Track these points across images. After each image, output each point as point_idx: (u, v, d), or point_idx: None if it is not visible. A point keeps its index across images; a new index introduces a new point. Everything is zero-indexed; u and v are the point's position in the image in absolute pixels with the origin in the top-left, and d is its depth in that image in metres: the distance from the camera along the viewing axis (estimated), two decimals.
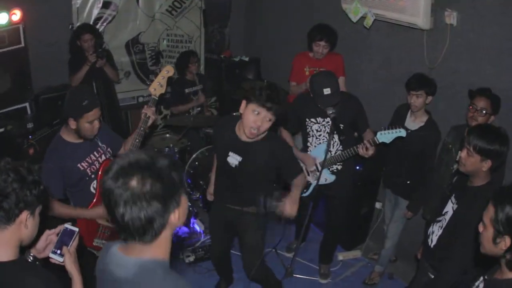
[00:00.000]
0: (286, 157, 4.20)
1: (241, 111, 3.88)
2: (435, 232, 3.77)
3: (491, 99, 4.08)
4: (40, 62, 6.14)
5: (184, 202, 2.02)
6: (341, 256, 5.90)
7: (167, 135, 7.05)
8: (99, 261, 2.23)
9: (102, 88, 6.34)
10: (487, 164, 3.28)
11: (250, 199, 4.26)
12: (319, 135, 4.85)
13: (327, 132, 4.77)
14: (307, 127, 4.88)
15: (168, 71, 4.11)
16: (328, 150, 4.58)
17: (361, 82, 5.99)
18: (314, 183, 4.92)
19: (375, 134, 4.56)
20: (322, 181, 4.83)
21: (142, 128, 4.07)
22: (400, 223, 5.16)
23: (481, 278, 2.75)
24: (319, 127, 4.82)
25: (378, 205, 5.95)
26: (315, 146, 4.91)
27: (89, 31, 6.05)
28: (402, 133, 4.45)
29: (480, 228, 2.56)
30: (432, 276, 3.82)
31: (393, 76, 5.54)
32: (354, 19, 5.62)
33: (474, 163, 3.33)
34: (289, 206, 4.02)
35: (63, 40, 6.35)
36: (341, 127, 4.53)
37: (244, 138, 4.00)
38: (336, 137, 4.76)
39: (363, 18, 5.50)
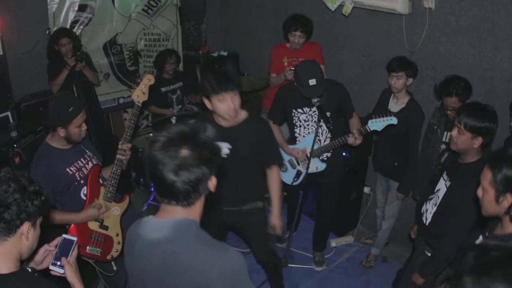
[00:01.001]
0: (267, 135, 4.20)
1: (210, 108, 3.88)
2: (429, 209, 3.84)
3: (456, 94, 4.15)
4: (19, 70, 6.07)
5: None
6: (334, 242, 5.95)
7: (151, 134, 7.01)
8: (128, 234, 2.36)
9: (83, 92, 6.28)
10: (478, 141, 3.36)
11: (246, 195, 4.26)
12: (307, 125, 4.86)
13: (314, 121, 4.80)
14: (294, 118, 4.89)
15: (149, 79, 4.10)
16: (316, 139, 4.62)
17: (342, 70, 6.01)
18: (304, 172, 4.93)
19: (366, 122, 4.58)
20: (313, 169, 4.91)
21: (132, 121, 4.07)
22: (397, 204, 5.22)
23: (481, 237, 2.86)
24: (307, 117, 4.83)
25: (366, 189, 6.01)
26: (303, 136, 4.92)
27: (66, 35, 6.00)
28: (394, 120, 4.47)
29: (480, 193, 2.67)
30: (429, 254, 3.88)
31: (374, 62, 5.58)
32: (332, 8, 5.66)
33: (465, 141, 3.39)
34: (276, 223, 4.20)
35: (41, 45, 6.31)
36: (328, 115, 4.59)
37: (225, 123, 3.95)
38: (324, 125, 4.79)
39: (341, 6, 5.53)
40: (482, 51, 4.54)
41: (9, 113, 5.65)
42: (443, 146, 4.46)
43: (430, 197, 3.87)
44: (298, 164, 5.05)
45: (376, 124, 4.51)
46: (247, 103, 7.16)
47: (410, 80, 4.67)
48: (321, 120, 4.60)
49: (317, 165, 4.95)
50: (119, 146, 4.04)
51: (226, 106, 3.77)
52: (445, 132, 4.43)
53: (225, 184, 3.97)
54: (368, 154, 5.65)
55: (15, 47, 6.08)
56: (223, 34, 8.37)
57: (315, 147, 4.71)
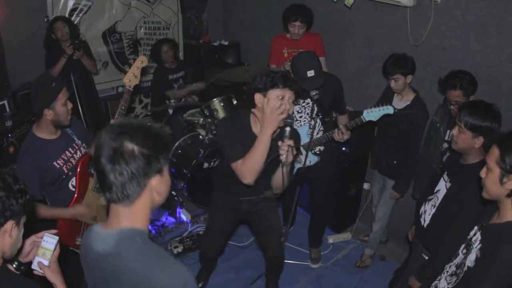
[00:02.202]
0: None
1: (259, 105, 3.54)
2: (428, 211, 3.75)
3: (461, 87, 4.04)
4: (16, 58, 6.01)
5: (167, 175, 2.10)
6: (331, 239, 5.87)
7: (148, 124, 6.92)
8: (81, 245, 2.27)
9: (81, 80, 6.27)
10: (479, 141, 3.25)
11: (265, 185, 4.04)
12: (300, 117, 4.76)
13: (307, 113, 4.71)
14: None
15: (142, 61, 4.00)
16: (309, 132, 4.57)
17: (344, 62, 5.93)
18: (298, 166, 4.86)
19: (361, 113, 4.45)
20: (306, 163, 4.79)
21: (123, 108, 3.94)
22: (389, 205, 5.13)
23: (475, 228, 2.80)
24: (300, 109, 4.72)
25: (366, 186, 5.93)
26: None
27: (61, 20, 5.99)
28: (390, 110, 4.38)
29: (483, 174, 2.64)
30: (426, 257, 3.81)
31: (376, 55, 5.48)
32: None
33: (466, 140, 3.29)
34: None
35: (39, 34, 6.24)
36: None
37: (257, 130, 3.70)
38: (317, 117, 4.63)
39: None
40: (488, 47, 4.43)
41: (5, 102, 5.60)
42: (446, 145, 4.36)
43: (430, 198, 3.77)
44: None
45: (372, 114, 4.40)
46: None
47: (409, 77, 4.55)
48: (319, 114, 4.47)
49: (309, 159, 4.83)
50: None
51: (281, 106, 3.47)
52: (448, 131, 4.33)
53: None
54: (369, 150, 5.56)
55: (12, 36, 6.03)
56: (225, 23, 8.31)
57: (307, 140, 4.58)
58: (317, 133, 4.75)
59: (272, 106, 3.44)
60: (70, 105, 3.77)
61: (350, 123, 4.49)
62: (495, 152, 2.52)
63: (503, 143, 2.51)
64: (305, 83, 4.27)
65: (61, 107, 3.67)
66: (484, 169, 2.63)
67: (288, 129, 3.44)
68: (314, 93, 4.35)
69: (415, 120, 4.59)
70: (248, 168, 3.59)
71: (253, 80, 3.58)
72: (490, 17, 4.35)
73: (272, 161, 3.63)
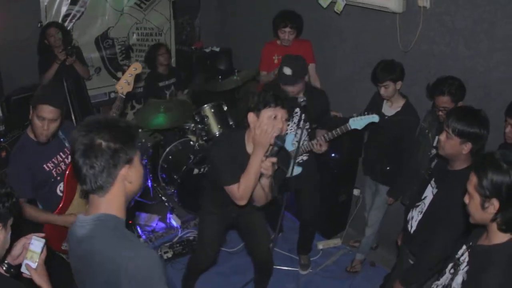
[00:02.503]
0: None
1: (252, 125, 3.56)
2: (415, 217, 3.75)
3: (449, 93, 4.03)
4: (10, 63, 6.04)
5: (139, 164, 2.25)
6: (321, 245, 5.85)
7: (140, 130, 6.93)
8: (69, 234, 2.34)
9: (73, 86, 6.25)
10: (467, 147, 3.24)
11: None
12: (288, 125, 4.69)
13: (295, 123, 4.69)
14: None
15: (136, 68, 4.00)
16: (296, 140, 4.57)
17: (333, 68, 5.95)
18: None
19: (347, 121, 4.49)
20: (288, 174, 4.75)
21: (114, 115, 3.96)
22: (381, 210, 5.13)
23: (464, 247, 2.75)
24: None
25: (356, 192, 5.93)
26: None
27: (54, 26, 6.00)
28: (375, 118, 4.43)
29: (466, 200, 2.59)
30: (412, 263, 3.79)
31: (366, 61, 5.48)
32: (324, 5, 5.58)
33: (453, 146, 3.29)
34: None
35: (32, 39, 6.24)
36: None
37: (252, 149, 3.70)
38: (303, 127, 4.62)
39: (333, 3, 5.45)
40: (478, 53, 4.45)
41: None
42: (434, 151, 4.34)
43: (417, 204, 3.77)
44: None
45: (357, 123, 4.45)
46: (241, 100, 7.13)
47: (399, 83, 4.54)
48: (306, 121, 4.50)
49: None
50: None
51: (274, 125, 3.49)
52: (436, 137, 4.30)
53: None
54: (359, 156, 5.55)
55: (6, 40, 6.05)
56: (217, 29, 8.32)
57: (292, 148, 4.54)
58: (302, 143, 4.72)
59: (262, 129, 3.46)
60: (48, 128, 3.65)
61: (336, 131, 4.52)
62: (473, 179, 2.50)
63: (479, 169, 2.47)
64: (281, 80, 4.44)
65: (35, 119, 3.61)
66: (466, 195, 2.60)
67: (275, 148, 3.47)
68: (302, 100, 4.41)
69: (407, 126, 4.58)
70: (242, 191, 3.61)
71: (246, 100, 3.60)
72: (480, 22, 4.36)
73: None
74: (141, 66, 4.04)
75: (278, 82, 4.52)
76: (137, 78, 4.14)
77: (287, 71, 4.40)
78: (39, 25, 6.43)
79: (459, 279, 2.68)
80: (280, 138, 3.49)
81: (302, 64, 4.54)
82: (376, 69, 4.56)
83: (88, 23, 7.05)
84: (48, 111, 3.59)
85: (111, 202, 2.19)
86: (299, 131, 4.64)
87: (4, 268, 2.51)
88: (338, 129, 4.53)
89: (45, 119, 3.61)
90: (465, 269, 2.65)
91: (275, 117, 3.48)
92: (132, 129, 2.22)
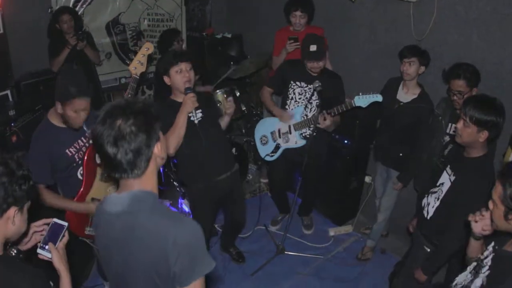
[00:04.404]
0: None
1: (168, 83, 4.23)
2: (431, 203, 3.77)
3: (465, 77, 4.05)
4: (20, 48, 6.00)
5: (162, 136, 2.26)
6: (332, 231, 5.90)
7: (132, 101, 6.93)
8: (97, 210, 2.44)
9: (84, 71, 6.16)
10: (484, 135, 3.27)
11: (230, 156, 4.81)
12: (299, 99, 5.04)
13: (306, 98, 4.97)
14: (290, 89, 5.10)
15: (148, 48, 4.01)
16: (302, 113, 5.07)
17: (346, 56, 5.94)
18: (283, 146, 5.20)
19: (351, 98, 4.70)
20: (292, 144, 5.13)
21: (130, 96, 4.01)
22: (393, 196, 5.13)
23: (490, 249, 2.66)
24: (301, 91, 5.04)
25: (367, 179, 5.94)
26: (292, 109, 5.10)
27: (68, 12, 5.96)
28: (379, 98, 4.59)
29: (490, 205, 2.52)
30: (428, 250, 3.83)
31: (379, 49, 5.51)
32: None
33: (470, 134, 3.31)
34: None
35: (42, 24, 6.24)
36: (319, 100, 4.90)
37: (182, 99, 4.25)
38: (314, 102, 4.96)
39: None
40: (491, 44, 4.45)
41: (8, 91, 5.60)
42: (447, 138, 4.37)
43: (433, 190, 3.79)
44: (280, 137, 5.22)
45: (362, 100, 4.63)
46: (253, 86, 7.13)
47: (422, 68, 4.58)
48: (312, 97, 4.94)
49: (296, 140, 5.12)
50: None
51: (181, 78, 4.13)
52: (450, 124, 4.34)
53: (214, 152, 4.38)
54: (370, 143, 5.56)
55: (16, 25, 6.02)
56: (228, 15, 8.30)
57: (299, 120, 5.06)
58: (309, 116, 5.03)
59: (173, 81, 4.19)
60: (83, 116, 3.69)
61: (341, 106, 4.72)
62: (498, 188, 2.40)
63: (504, 179, 2.37)
64: (308, 56, 4.79)
65: (70, 111, 3.61)
66: (490, 202, 2.51)
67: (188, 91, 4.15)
68: (317, 85, 4.66)
69: (422, 114, 4.60)
70: (171, 141, 4.11)
71: (161, 63, 4.27)
72: (493, 13, 4.36)
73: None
74: (153, 46, 4.08)
75: (303, 60, 4.87)
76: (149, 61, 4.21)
77: (313, 47, 4.70)
78: (49, 11, 6.42)
79: (478, 282, 2.61)
80: (189, 88, 4.16)
81: (323, 41, 4.88)
82: (406, 47, 4.60)
83: (99, 8, 7.02)
84: (85, 104, 3.63)
85: (147, 181, 2.23)
86: (309, 106, 4.98)
87: (13, 254, 2.50)
88: (343, 104, 4.71)
89: (80, 111, 3.63)
90: (486, 273, 2.58)
91: (180, 71, 4.12)
92: (151, 107, 2.22)
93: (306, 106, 5.02)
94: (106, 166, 2.19)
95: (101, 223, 2.36)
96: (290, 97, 5.09)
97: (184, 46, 7.32)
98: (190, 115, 4.18)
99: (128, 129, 2.08)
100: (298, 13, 5.48)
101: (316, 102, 4.96)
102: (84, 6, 6.78)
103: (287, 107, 5.14)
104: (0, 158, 2.17)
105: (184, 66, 4.12)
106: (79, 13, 6.62)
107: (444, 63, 4.69)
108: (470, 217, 2.70)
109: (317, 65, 4.80)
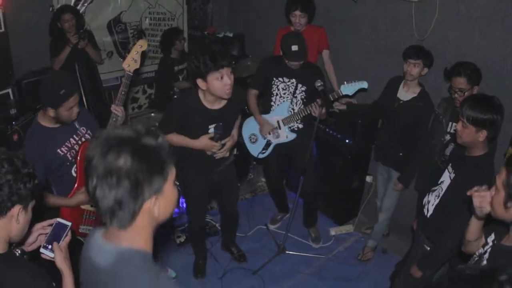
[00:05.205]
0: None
1: (203, 88, 3.97)
2: (431, 201, 3.78)
3: (465, 75, 4.05)
4: (21, 47, 5.99)
5: (170, 192, 1.83)
6: (333, 231, 5.89)
7: (152, 114, 6.97)
8: (83, 248, 2.05)
9: (85, 70, 6.23)
10: (483, 134, 3.27)
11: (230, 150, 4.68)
12: (284, 94, 5.09)
13: (290, 92, 5.06)
14: (273, 86, 5.12)
15: (141, 45, 3.99)
16: (289, 108, 5.13)
17: (348, 54, 5.94)
18: (274, 141, 5.25)
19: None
20: (283, 138, 5.19)
21: (123, 93, 3.95)
22: (394, 197, 5.13)
23: (490, 243, 2.68)
24: (285, 86, 5.09)
25: (369, 178, 5.93)
26: (278, 105, 5.14)
27: (69, 11, 5.94)
28: (364, 84, 4.74)
29: (492, 191, 2.50)
30: (428, 248, 3.83)
31: (380, 48, 5.51)
32: None
33: (469, 134, 3.31)
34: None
35: (43, 22, 6.21)
36: (304, 89, 5.05)
37: (215, 106, 4.16)
38: (299, 96, 5.09)
39: None
40: (493, 42, 4.45)
41: (9, 90, 5.61)
42: (448, 137, 4.37)
43: (433, 188, 3.79)
44: (269, 134, 5.24)
45: (348, 88, 4.76)
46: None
47: (426, 70, 4.56)
48: (296, 91, 5.05)
49: (286, 134, 5.18)
50: (112, 107, 3.93)
51: (223, 85, 3.87)
52: (450, 123, 4.34)
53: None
54: (372, 143, 5.55)
55: (17, 24, 6.01)
56: (229, 15, 8.30)
57: (287, 115, 5.13)
58: (297, 110, 5.06)
59: (212, 88, 3.91)
60: (76, 111, 3.71)
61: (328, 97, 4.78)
62: (503, 173, 2.38)
63: (511, 165, 2.36)
64: (289, 56, 4.79)
65: (64, 111, 3.63)
66: (493, 188, 2.50)
67: (217, 136, 4.19)
68: (319, 84, 4.63)
69: (421, 113, 4.59)
70: (175, 143, 4.18)
71: (197, 64, 3.87)
72: (495, 11, 4.35)
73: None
74: (146, 43, 4.03)
75: (284, 58, 4.90)
76: (143, 57, 4.17)
77: (295, 47, 4.71)
78: (50, 9, 6.39)
79: None
80: (218, 127, 4.10)
81: (304, 40, 4.84)
82: (411, 47, 4.57)
83: (100, 7, 7.00)
84: (76, 99, 3.65)
85: (135, 236, 1.83)
86: (294, 100, 5.04)
87: (17, 253, 2.49)
88: (329, 95, 4.79)
89: (73, 107, 3.66)
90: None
91: (221, 77, 3.84)
92: (163, 150, 1.78)
93: (291, 101, 5.08)
94: (91, 199, 1.80)
95: (85, 267, 2.01)
96: (275, 93, 5.13)
97: (185, 45, 7.33)
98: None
99: (115, 170, 1.68)
100: (297, 12, 5.48)
101: (301, 95, 5.07)
102: (86, 4, 6.76)
103: (272, 103, 5.16)
104: (5, 156, 2.17)
105: (226, 72, 3.83)
106: (81, 11, 6.58)
107: (446, 62, 4.68)
108: (469, 192, 2.66)
109: (298, 63, 4.84)
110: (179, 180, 4.72)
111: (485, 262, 2.60)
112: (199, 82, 3.92)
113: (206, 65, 3.79)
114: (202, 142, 4.20)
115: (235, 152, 5.80)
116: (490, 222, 2.74)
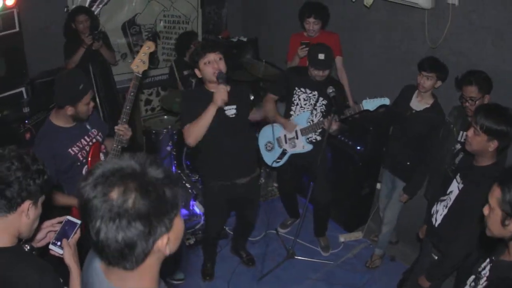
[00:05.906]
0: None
1: (199, 76, 4.23)
2: (440, 211, 3.77)
3: (476, 83, 4.05)
4: (35, 46, 6.04)
5: (179, 225, 1.68)
6: (342, 237, 5.88)
7: (165, 116, 6.99)
8: (83, 271, 1.93)
9: (99, 71, 6.26)
10: (493, 144, 3.26)
11: (253, 161, 4.75)
12: (305, 104, 5.08)
13: (311, 104, 5.06)
14: (294, 95, 5.11)
15: (148, 47, 4.01)
16: (308, 118, 5.10)
17: (361, 62, 5.95)
18: (290, 151, 5.22)
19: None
20: (299, 149, 5.17)
21: (132, 94, 3.97)
22: (397, 209, 5.12)
23: (488, 260, 2.65)
24: (306, 97, 5.08)
25: (379, 186, 5.87)
26: (297, 114, 5.13)
27: (84, 12, 5.99)
28: (386, 101, 4.67)
29: (486, 211, 2.44)
30: (436, 257, 3.83)
31: (393, 56, 5.51)
32: None
33: (480, 143, 3.30)
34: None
35: (58, 23, 6.25)
36: (325, 103, 5.02)
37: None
38: (319, 108, 5.07)
39: None
40: (505, 52, 4.43)
41: (23, 89, 5.66)
42: (458, 146, 4.36)
43: (442, 198, 3.78)
44: (286, 143, 5.23)
45: (370, 104, 4.71)
46: (266, 90, 7.14)
47: (439, 83, 4.56)
48: (317, 103, 5.04)
49: (303, 145, 5.17)
50: (116, 128, 3.95)
51: (211, 68, 4.08)
52: (461, 132, 4.33)
53: (239, 153, 4.39)
54: (383, 150, 5.51)
55: (31, 24, 6.06)
56: (243, 19, 8.32)
57: (306, 125, 5.09)
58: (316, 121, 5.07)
59: (204, 73, 4.15)
60: (92, 104, 3.84)
61: (349, 110, 4.83)
62: (496, 191, 2.33)
63: (504, 183, 2.30)
64: (316, 64, 4.79)
65: (83, 106, 3.74)
66: (486, 207, 2.44)
67: (221, 80, 4.06)
68: (331, 90, 4.66)
69: (433, 124, 4.59)
70: (192, 131, 4.15)
71: (191, 57, 4.31)
72: (507, 22, 4.35)
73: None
74: (154, 45, 4.07)
75: (309, 66, 4.88)
76: (151, 59, 4.25)
77: (321, 56, 4.72)
78: (65, 10, 6.43)
79: None
80: (221, 75, 4.06)
81: (332, 51, 4.87)
82: (426, 59, 4.55)
83: (115, 8, 7.04)
84: (90, 94, 3.78)
85: (142, 276, 1.68)
86: (314, 112, 5.03)
87: (26, 249, 2.51)
88: (351, 109, 4.82)
89: (90, 101, 3.78)
90: (484, 284, 2.54)
91: (209, 62, 4.08)
92: (171, 181, 1.61)
93: (311, 112, 5.06)
94: (90, 241, 1.61)
95: None
96: (296, 103, 5.11)
97: None
98: (225, 108, 4.20)
99: (123, 211, 1.50)
100: (311, 19, 5.50)
101: (321, 108, 5.05)
102: (101, 6, 6.81)
103: (292, 112, 5.14)
104: (15, 153, 2.21)
105: (212, 56, 4.07)
106: (95, 13, 6.64)
107: (458, 71, 4.65)
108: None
109: (323, 73, 4.81)
110: (202, 192, 4.77)
111: (484, 278, 2.57)
112: (196, 72, 4.21)
113: (197, 54, 4.12)
114: (214, 96, 4.08)
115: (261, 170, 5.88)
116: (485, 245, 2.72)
